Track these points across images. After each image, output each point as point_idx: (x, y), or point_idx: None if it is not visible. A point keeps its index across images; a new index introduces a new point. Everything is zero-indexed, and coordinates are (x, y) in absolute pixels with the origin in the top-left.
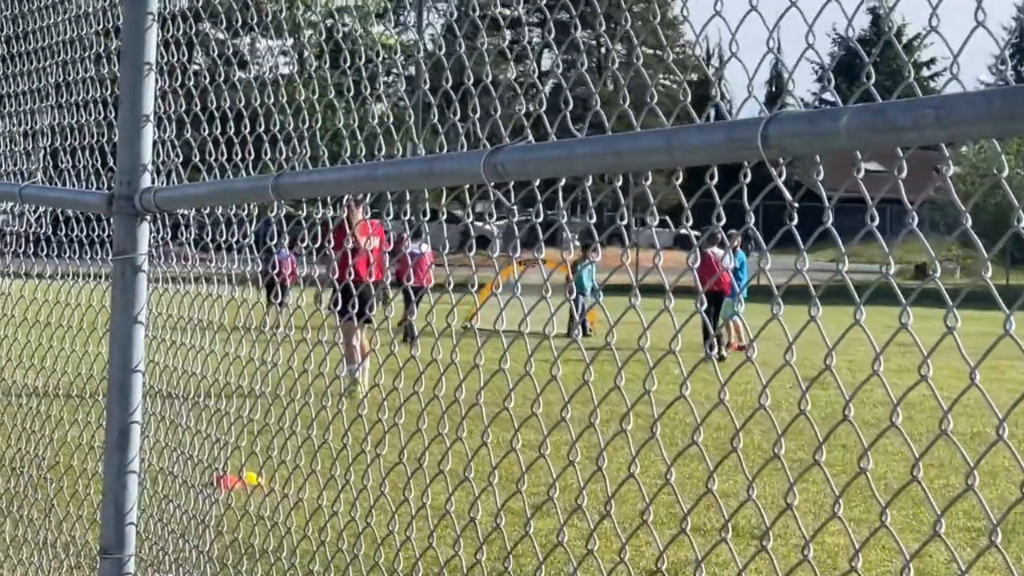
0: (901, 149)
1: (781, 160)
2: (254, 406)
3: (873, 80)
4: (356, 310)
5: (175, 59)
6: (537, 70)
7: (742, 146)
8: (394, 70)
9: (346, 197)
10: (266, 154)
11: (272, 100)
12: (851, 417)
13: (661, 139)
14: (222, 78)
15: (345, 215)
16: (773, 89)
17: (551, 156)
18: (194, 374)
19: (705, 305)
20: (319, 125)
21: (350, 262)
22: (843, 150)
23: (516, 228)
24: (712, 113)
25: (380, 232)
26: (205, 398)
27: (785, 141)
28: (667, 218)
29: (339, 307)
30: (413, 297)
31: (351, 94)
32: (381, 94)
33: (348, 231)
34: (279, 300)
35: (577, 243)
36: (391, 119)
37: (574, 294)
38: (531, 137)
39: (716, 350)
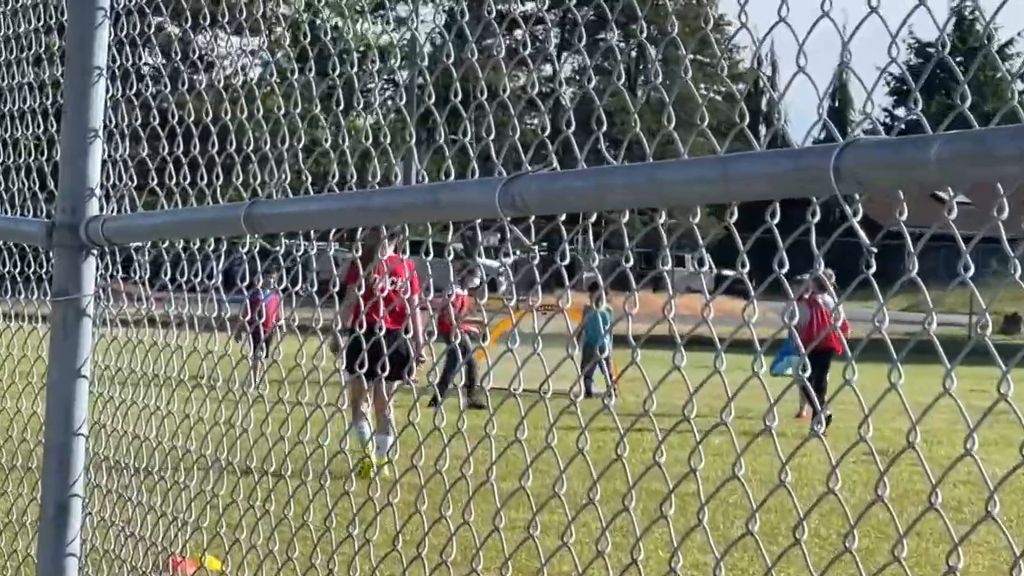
0: (1002, 185)
1: (857, 196)
2: (219, 479)
3: (968, 103)
4: (369, 367)
5: (130, 63)
6: (559, 78)
7: (811, 178)
8: (387, 75)
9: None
10: (237, 178)
11: (245, 113)
12: (938, 505)
13: (714, 168)
14: (185, 85)
15: (360, 251)
16: (835, 103)
17: (580, 187)
18: (147, 439)
19: (808, 370)
20: (300, 144)
21: (362, 307)
22: (931, 184)
23: (533, 267)
24: (762, 133)
25: (402, 270)
26: (160, 468)
27: (863, 173)
28: (707, 256)
29: (348, 362)
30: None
31: (339, 107)
32: (375, 106)
33: (363, 268)
34: (261, 352)
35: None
36: (387, 137)
37: (575, 348)
38: (555, 163)
39: (819, 424)
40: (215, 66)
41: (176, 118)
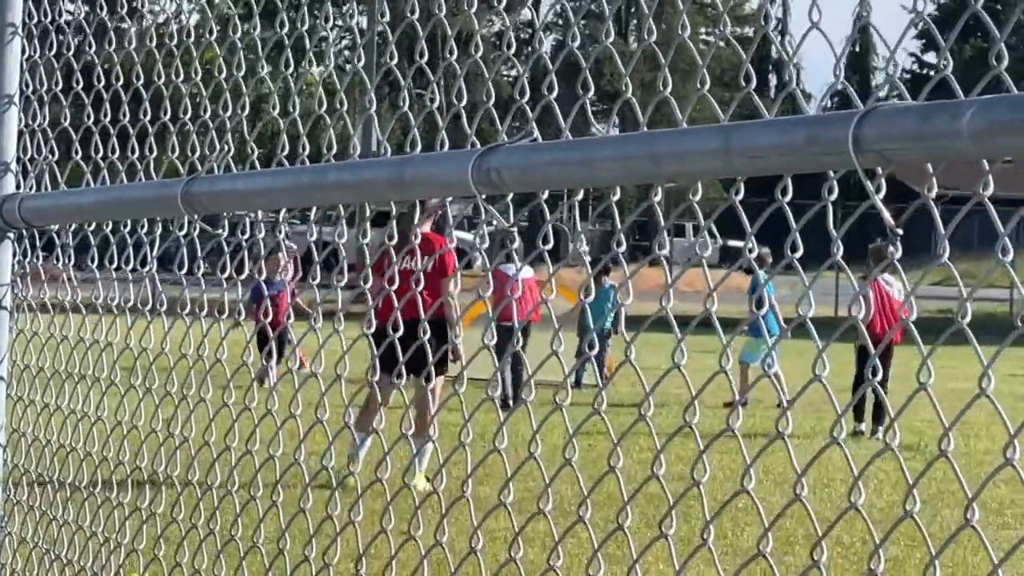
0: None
1: (879, 170)
2: (157, 494)
3: (1006, 64)
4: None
5: (49, 19)
6: (539, 25)
7: (827, 150)
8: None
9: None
10: (173, 151)
11: (180, 76)
12: (975, 522)
13: (717, 138)
14: (112, 42)
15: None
16: (856, 48)
17: (565, 160)
18: (74, 448)
19: (880, 374)
20: (245, 111)
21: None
22: (964, 157)
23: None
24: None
25: (441, 245)
26: (89, 483)
27: (885, 145)
28: (712, 226)
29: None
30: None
31: (289, 69)
32: (329, 64)
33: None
34: (274, 355)
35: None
36: (343, 103)
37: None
38: (536, 133)
39: (871, 431)
40: (145, 17)
41: (103, 81)
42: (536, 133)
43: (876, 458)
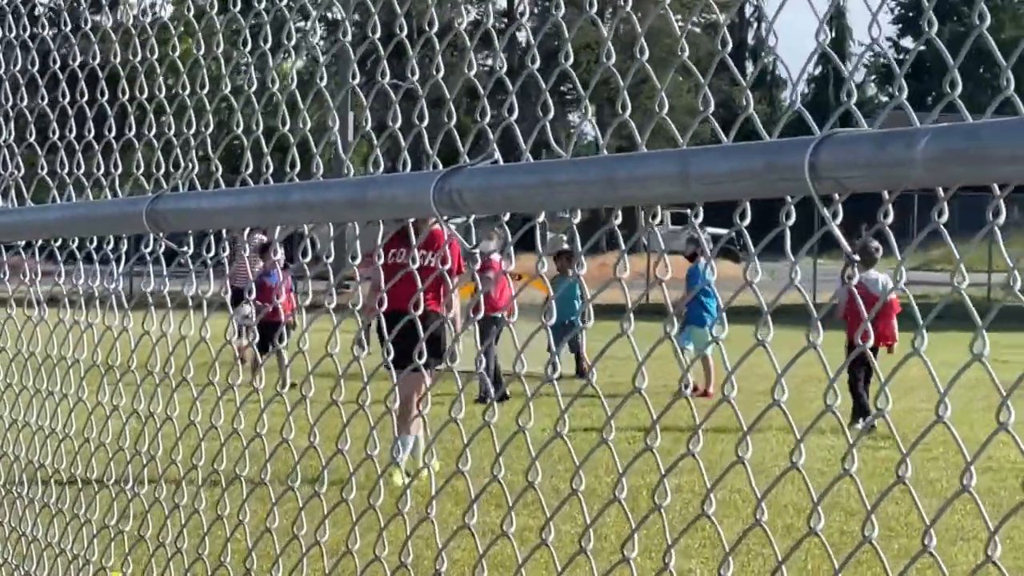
0: (999, 186)
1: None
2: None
3: (959, 91)
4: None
5: (13, 34)
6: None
7: (784, 176)
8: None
9: None
10: (138, 168)
11: (145, 93)
12: (972, 486)
13: (675, 164)
14: (76, 60)
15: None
16: (833, 33)
17: (525, 183)
18: (42, 466)
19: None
20: (209, 130)
21: (420, 285)
22: (919, 184)
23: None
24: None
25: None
26: (17, 485)
27: (841, 172)
28: (688, 212)
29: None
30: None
31: (252, 87)
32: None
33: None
34: (276, 345)
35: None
36: (306, 123)
37: (552, 319)
38: (497, 154)
39: (864, 422)
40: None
41: (67, 97)
42: (497, 154)
43: (814, 422)
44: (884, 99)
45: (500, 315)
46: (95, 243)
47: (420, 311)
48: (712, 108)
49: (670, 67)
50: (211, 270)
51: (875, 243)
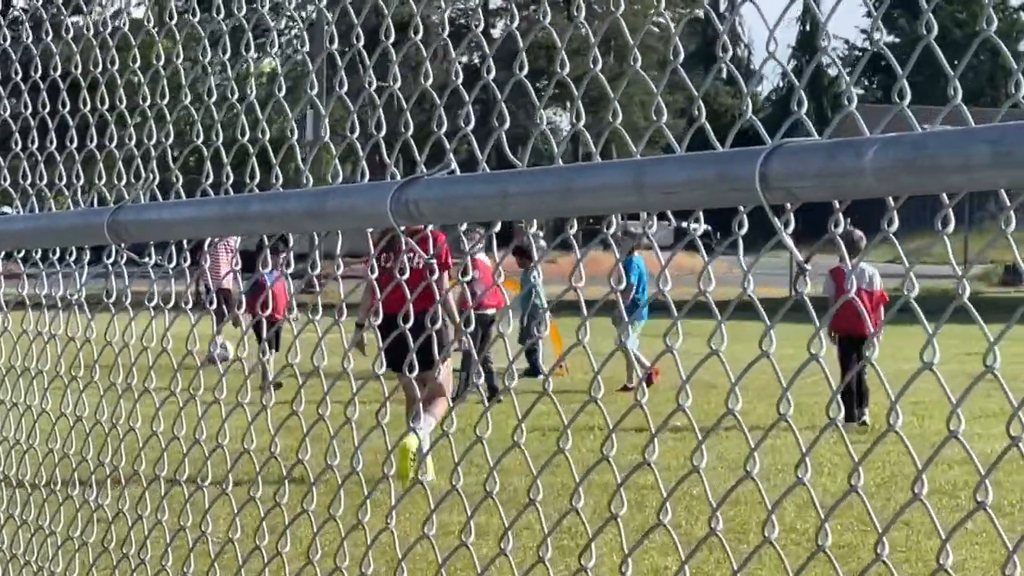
0: (948, 196)
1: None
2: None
3: (908, 100)
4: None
5: None
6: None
7: (736, 187)
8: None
9: None
10: (100, 178)
11: (106, 104)
12: (923, 495)
13: (630, 174)
14: (38, 72)
15: None
16: (805, 28)
17: (481, 194)
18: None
19: (866, 356)
20: (169, 139)
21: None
22: (869, 194)
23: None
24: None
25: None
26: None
27: (793, 182)
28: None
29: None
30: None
31: (212, 97)
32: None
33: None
34: (269, 350)
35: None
36: (265, 133)
37: (509, 329)
38: (454, 164)
39: (858, 417)
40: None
41: (30, 108)
42: (454, 165)
43: (820, 436)
44: (859, 92)
45: (492, 313)
46: (57, 253)
47: (432, 313)
48: (664, 118)
49: (633, 71)
50: (187, 272)
51: (859, 233)
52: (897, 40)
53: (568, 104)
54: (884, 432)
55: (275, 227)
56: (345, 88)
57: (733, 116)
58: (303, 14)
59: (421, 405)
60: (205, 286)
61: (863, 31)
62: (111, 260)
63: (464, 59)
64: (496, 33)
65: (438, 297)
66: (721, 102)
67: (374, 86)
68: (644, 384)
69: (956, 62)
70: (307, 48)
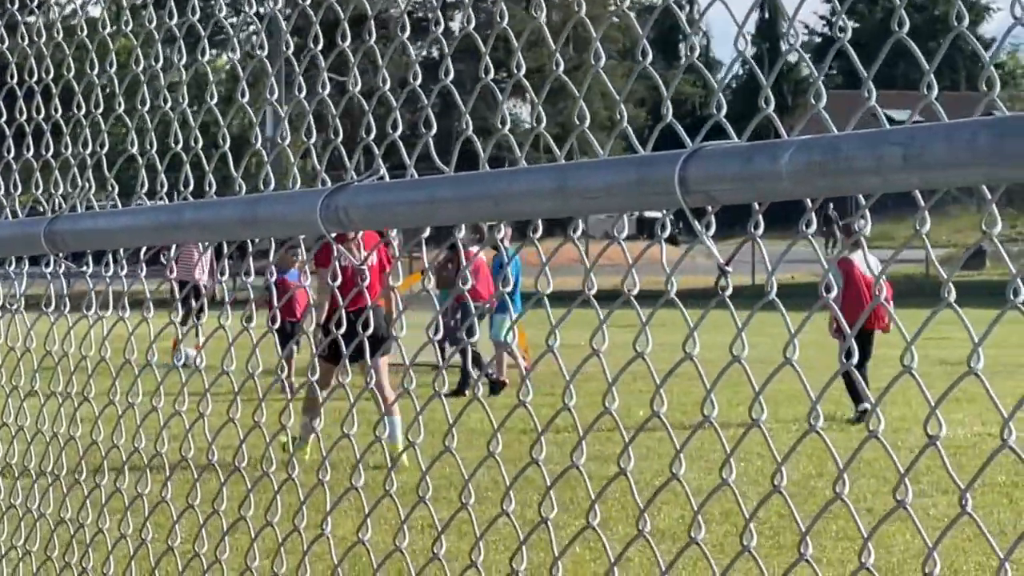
0: (864, 197)
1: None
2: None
3: (824, 103)
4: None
5: None
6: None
7: (656, 190)
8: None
9: None
10: (37, 187)
11: (42, 113)
12: (908, 505)
13: (551, 179)
14: None
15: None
16: (766, 15)
17: (409, 200)
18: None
19: (855, 357)
20: (104, 148)
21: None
22: (784, 196)
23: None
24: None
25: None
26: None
27: (712, 185)
28: None
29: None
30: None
31: (145, 106)
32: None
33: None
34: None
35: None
36: (198, 141)
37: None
38: (383, 170)
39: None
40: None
41: None
42: (383, 171)
43: (799, 443)
44: (822, 79)
45: (485, 305)
46: None
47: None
48: (626, 120)
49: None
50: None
51: (862, 221)
52: (856, 25)
53: (527, 97)
54: (865, 439)
55: (209, 236)
56: (276, 94)
57: (693, 105)
58: (260, 10)
59: (382, 396)
60: (179, 283)
61: (822, 16)
62: (50, 270)
63: (424, 53)
64: (455, 27)
65: (369, 301)
66: (680, 91)
67: (304, 92)
68: (527, 381)
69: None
70: (238, 55)
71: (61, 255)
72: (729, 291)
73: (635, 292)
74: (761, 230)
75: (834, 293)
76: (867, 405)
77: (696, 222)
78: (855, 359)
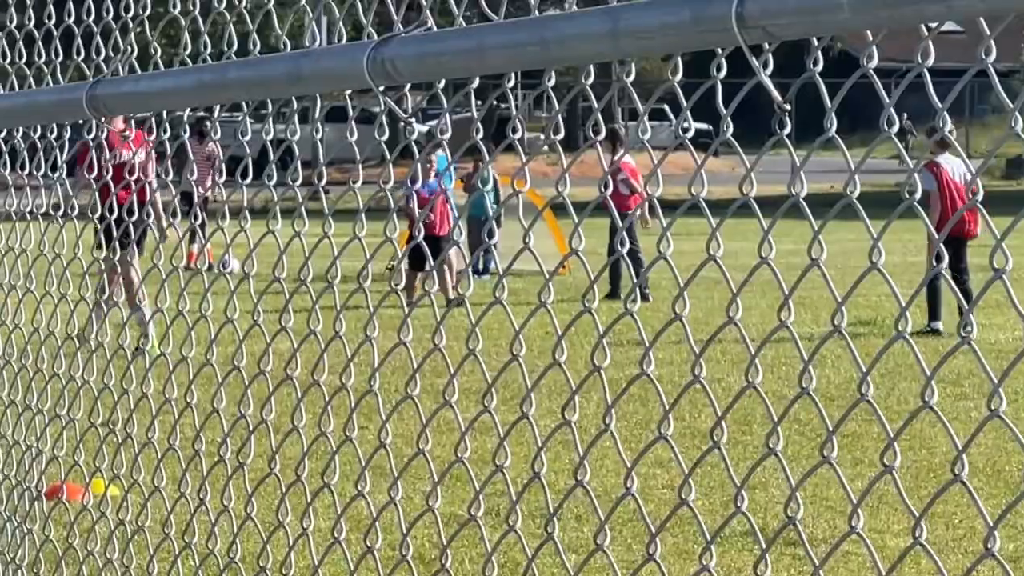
0: (926, 27)
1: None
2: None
3: None
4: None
5: None
6: None
7: (712, 28)
8: None
9: None
10: (79, 54)
11: None
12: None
13: (604, 21)
14: None
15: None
16: None
17: (457, 49)
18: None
19: (945, 260)
20: (147, 11)
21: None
22: (846, 30)
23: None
24: None
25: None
26: None
27: (769, 20)
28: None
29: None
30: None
31: None
32: None
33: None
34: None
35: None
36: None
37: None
38: (431, 22)
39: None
40: None
41: None
42: (431, 22)
43: (826, 340)
44: None
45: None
46: (39, 132)
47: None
48: None
49: None
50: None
51: (947, 124)
52: None
53: None
54: (894, 339)
55: (255, 94)
56: None
57: None
58: None
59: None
60: (184, 194)
61: None
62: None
63: None
64: None
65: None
66: None
67: None
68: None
69: None
70: None
71: (104, 120)
72: (804, 192)
73: (703, 195)
74: (820, 67)
75: (917, 195)
76: (939, 325)
77: (754, 59)
78: (945, 261)
